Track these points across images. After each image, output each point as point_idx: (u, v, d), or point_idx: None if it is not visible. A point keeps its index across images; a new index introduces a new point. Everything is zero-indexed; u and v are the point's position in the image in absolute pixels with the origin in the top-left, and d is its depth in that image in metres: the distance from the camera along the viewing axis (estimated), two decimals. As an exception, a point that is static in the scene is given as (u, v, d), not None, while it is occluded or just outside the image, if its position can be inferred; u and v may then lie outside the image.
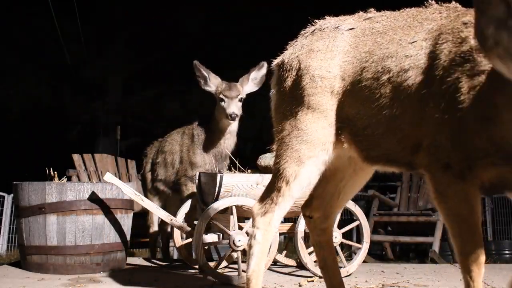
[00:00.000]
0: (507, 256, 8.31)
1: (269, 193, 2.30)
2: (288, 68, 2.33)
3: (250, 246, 2.29)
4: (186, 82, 12.07)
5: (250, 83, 4.39)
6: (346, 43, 2.20)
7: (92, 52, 11.12)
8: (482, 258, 1.80)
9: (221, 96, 4.31)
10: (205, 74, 4.40)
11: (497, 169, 1.68)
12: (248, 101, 4.49)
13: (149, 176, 4.97)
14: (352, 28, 2.22)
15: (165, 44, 13.14)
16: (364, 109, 2.06)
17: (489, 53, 1.27)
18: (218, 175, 3.44)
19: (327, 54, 2.22)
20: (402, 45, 1.98)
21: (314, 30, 2.35)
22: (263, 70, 4.39)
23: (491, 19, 1.23)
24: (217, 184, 3.43)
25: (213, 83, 4.40)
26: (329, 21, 2.34)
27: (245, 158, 4.22)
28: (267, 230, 2.26)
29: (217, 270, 3.51)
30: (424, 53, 1.90)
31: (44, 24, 10.88)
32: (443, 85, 1.78)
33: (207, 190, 3.71)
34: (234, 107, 4.24)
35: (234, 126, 4.39)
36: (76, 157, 5.84)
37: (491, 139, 1.65)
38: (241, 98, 4.34)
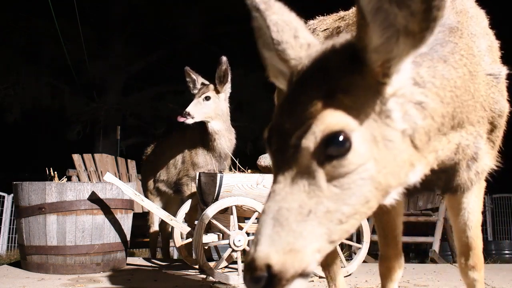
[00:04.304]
0: (507, 256, 8.32)
1: None
2: None
3: None
4: (186, 82, 12.07)
5: (217, 81, 4.34)
6: None
7: (92, 52, 11.10)
8: (390, 262, 1.77)
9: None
10: (194, 77, 4.46)
11: None
12: (249, 102, 4.48)
13: (150, 176, 4.96)
14: (327, 29, 2.18)
15: (165, 44, 13.14)
16: None
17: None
18: (218, 175, 3.44)
19: None
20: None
21: None
22: (222, 66, 4.29)
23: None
24: (217, 184, 3.43)
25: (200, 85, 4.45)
26: (312, 23, 2.32)
27: (245, 158, 4.22)
28: None
29: (217, 270, 3.51)
30: None
31: (44, 24, 10.88)
32: None
33: (207, 190, 3.71)
34: (190, 106, 4.24)
35: (216, 125, 4.34)
36: (76, 157, 5.85)
37: None
38: (207, 96, 4.29)
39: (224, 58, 4.26)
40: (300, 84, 1.01)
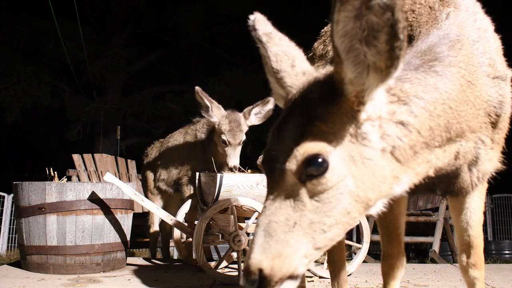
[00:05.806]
0: (507, 256, 8.33)
1: None
2: None
3: None
4: (186, 82, 12.07)
5: (253, 117, 4.16)
6: None
7: (92, 52, 11.09)
8: (392, 260, 1.82)
9: (223, 137, 4.00)
10: (208, 104, 4.09)
11: None
12: (249, 102, 4.46)
13: (151, 176, 4.96)
14: None
15: (165, 44, 13.14)
16: None
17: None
18: (218, 175, 3.44)
19: (322, 60, 2.26)
20: None
21: (321, 33, 2.42)
22: (269, 106, 4.12)
23: None
24: (217, 184, 3.43)
25: (216, 114, 4.10)
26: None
27: (245, 158, 4.21)
28: None
29: (217, 270, 3.51)
30: None
31: (44, 24, 10.87)
32: None
33: (207, 190, 3.70)
34: (236, 159, 3.97)
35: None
36: (76, 157, 5.85)
37: None
38: (243, 141, 4.07)
39: (272, 99, 4.02)
40: (287, 112, 1.15)
